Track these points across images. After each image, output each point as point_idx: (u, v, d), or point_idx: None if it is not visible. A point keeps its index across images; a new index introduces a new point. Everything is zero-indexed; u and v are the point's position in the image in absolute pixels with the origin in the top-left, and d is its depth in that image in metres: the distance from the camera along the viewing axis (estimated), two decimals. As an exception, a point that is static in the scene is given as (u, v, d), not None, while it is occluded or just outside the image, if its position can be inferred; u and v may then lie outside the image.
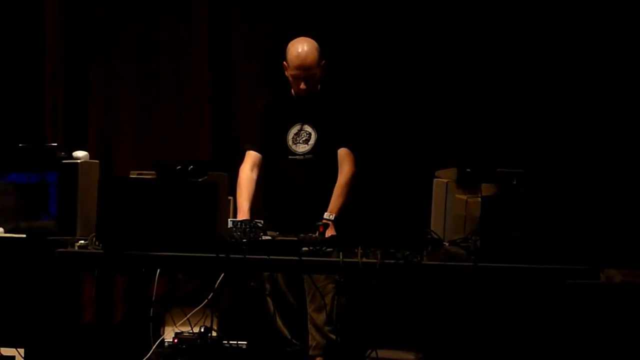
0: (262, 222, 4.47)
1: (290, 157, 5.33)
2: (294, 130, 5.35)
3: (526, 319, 5.14)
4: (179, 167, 4.35)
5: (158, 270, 5.07)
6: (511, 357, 4.95)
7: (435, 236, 4.33)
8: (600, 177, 5.72)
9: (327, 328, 5.23)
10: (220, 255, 4.22)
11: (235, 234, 4.36)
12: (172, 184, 4.32)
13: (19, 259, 4.60)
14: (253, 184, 5.30)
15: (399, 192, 4.63)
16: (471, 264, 4.18)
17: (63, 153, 4.81)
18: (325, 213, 5.11)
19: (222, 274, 4.99)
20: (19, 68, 6.73)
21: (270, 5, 6.52)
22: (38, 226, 4.72)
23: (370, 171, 5.95)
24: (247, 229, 4.38)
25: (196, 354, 5.49)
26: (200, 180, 4.34)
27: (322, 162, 5.29)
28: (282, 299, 5.34)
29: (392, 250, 4.20)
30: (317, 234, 4.53)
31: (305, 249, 4.30)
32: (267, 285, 5.29)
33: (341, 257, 4.22)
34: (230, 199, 5.10)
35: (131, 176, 4.70)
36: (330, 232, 4.76)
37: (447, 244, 4.33)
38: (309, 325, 5.29)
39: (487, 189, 4.41)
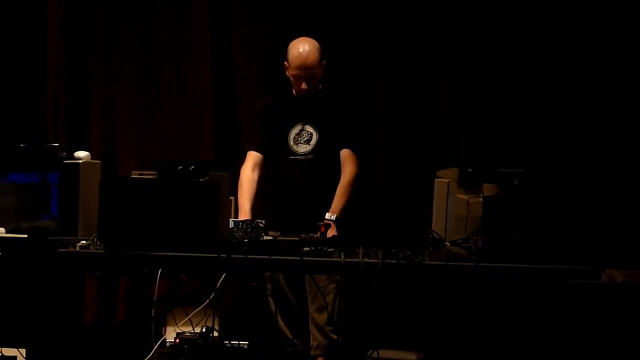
0: (263, 222, 4.47)
1: (291, 157, 5.33)
2: (295, 130, 5.35)
3: (527, 319, 5.15)
4: (181, 167, 4.35)
5: (159, 270, 5.07)
6: (512, 357, 4.96)
7: (437, 236, 4.32)
8: (602, 177, 5.72)
9: (328, 328, 5.24)
10: (221, 255, 4.21)
11: (236, 234, 4.36)
12: (173, 184, 4.32)
13: (21, 259, 4.59)
14: (254, 184, 5.30)
15: (399, 192, 4.63)
16: (473, 264, 4.17)
17: (64, 153, 4.81)
18: (327, 213, 5.11)
19: (224, 274, 5.00)
20: (20, 68, 6.74)
21: (270, 5, 6.53)
22: (39, 226, 4.72)
23: (370, 171, 5.95)
24: (249, 229, 4.38)
25: (198, 354, 5.49)
26: (201, 180, 4.34)
27: (323, 163, 5.30)
28: (283, 299, 5.34)
29: (393, 251, 4.19)
30: (318, 234, 4.53)
31: (306, 249, 4.29)
32: (269, 285, 5.30)
33: (342, 257, 4.22)
34: (231, 199, 5.10)
35: (132, 176, 4.69)
36: (331, 233, 4.75)
37: (448, 244, 4.32)
38: (311, 325, 5.29)
39: (488, 189, 4.41)
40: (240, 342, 5.70)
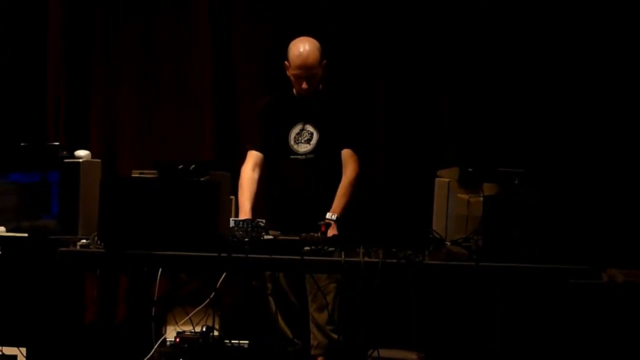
0: (264, 221, 4.47)
1: (292, 156, 5.33)
2: (296, 130, 5.35)
3: (528, 318, 5.15)
4: (181, 166, 4.35)
5: (160, 270, 5.07)
6: (513, 356, 4.96)
7: (437, 236, 4.32)
8: (602, 177, 5.72)
9: (328, 327, 5.24)
10: (222, 254, 4.21)
11: (237, 233, 4.35)
12: (174, 184, 4.32)
13: (21, 259, 4.59)
14: (255, 184, 5.31)
15: (399, 192, 4.63)
16: (473, 263, 4.17)
17: (65, 152, 4.81)
18: (328, 213, 5.12)
19: (224, 274, 5.00)
20: (20, 68, 6.74)
21: (270, 5, 6.53)
22: (40, 225, 4.72)
23: (371, 171, 5.95)
24: (249, 229, 4.37)
25: (198, 354, 5.49)
26: (202, 179, 4.34)
27: (324, 162, 5.30)
28: (283, 299, 5.34)
29: (394, 250, 4.19)
30: (319, 234, 4.53)
31: (307, 248, 4.29)
32: (269, 285, 5.30)
33: (343, 256, 4.22)
34: (232, 199, 5.10)
35: (133, 175, 4.69)
36: (332, 232, 4.77)
37: (449, 244, 4.32)
38: (311, 325, 5.30)
39: (489, 189, 4.41)
40: (241, 342, 5.70)
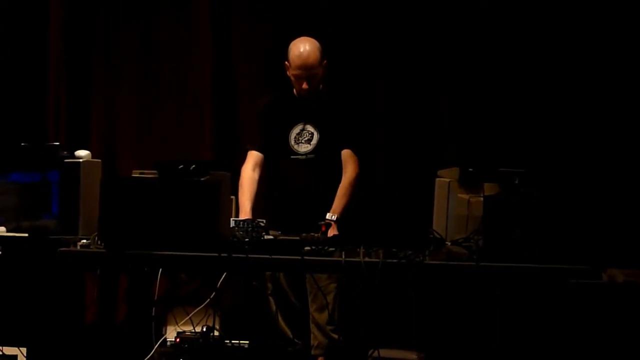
0: (264, 221, 4.46)
1: (292, 156, 5.33)
2: (296, 130, 5.35)
3: (528, 318, 5.14)
4: (181, 166, 4.35)
5: (160, 270, 5.08)
6: (513, 356, 4.95)
7: (438, 236, 4.31)
8: (603, 177, 5.72)
9: (329, 327, 5.24)
10: (222, 254, 4.21)
11: (237, 233, 4.35)
12: (174, 184, 4.32)
13: (21, 258, 4.59)
14: (255, 184, 5.31)
15: (399, 192, 4.63)
16: (473, 263, 4.16)
17: (65, 152, 4.81)
18: (328, 214, 5.12)
19: (224, 274, 4.99)
20: (21, 68, 6.75)
21: (270, 5, 6.53)
22: (40, 225, 4.71)
23: (371, 171, 5.94)
24: (250, 229, 4.37)
25: (198, 354, 5.49)
26: (202, 179, 4.34)
27: (324, 162, 5.30)
28: (284, 299, 5.34)
29: (394, 250, 4.19)
30: (319, 234, 4.53)
31: (307, 248, 4.29)
32: (269, 285, 5.30)
33: (343, 256, 4.22)
34: (232, 199, 5.10)
35: (133, 175, 4.69)
36: (332, 232, 4.77)
37: (449, 244, 4.32)
38: (311, 325, 5.30)
39: (489, 189, 4.41)
40: (241, 342, 5.70)
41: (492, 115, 6.12)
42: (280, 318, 5.32)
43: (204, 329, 5.51)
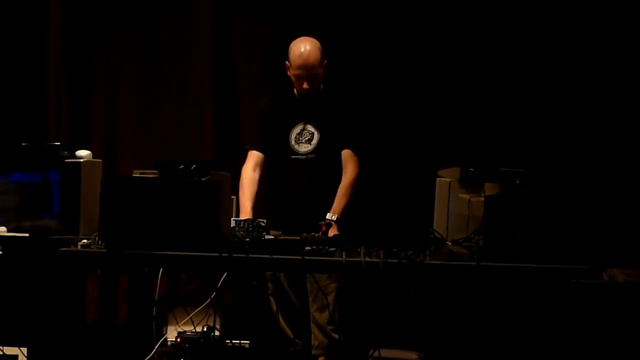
0: (264, 221, 4.46)
1: (292, 156, 5.33)
2: (297, 130, 5.35)
3: (529, 318, 5.14)
4: (182, 166, 4.35)
5: (161, 270, 5.07)
6: (514, 356, 4.95)
7: (438, 236, 4.32)
8: (604, 177, 5.72)
9: (329, 327, 5.24)
10: (223, 254, 4.21)
11: (238, 233, 4.35)
12: (175, 184, 4.32)
13: (22, 258, 4.58)
14: (255, 184, 5.31)
15: (399, 192, 4.63)
16: (474, 263, 4.17)
17: (66, 152, 4.81)
18: (328, 214, 5.12)
19: (225, 274, 4.99)
20: (21, 68, 6.75)
21: (270, 5, 6.53)
22: (41, 225, 4.70)
23: (371, 171, 5.95)
24: (250, 229, 4.37)
25: (199, 353, 5.50)
26: (203, 179, 4.34)
27: (324, 162, 5.30)
28: (284, 299, 5.34)
29: (395, 250, 4.19)
30: (319, 234, 4.53)
31: (308, 248, 4.29)
32: (270, 285, 5.30)
33: (344, 256, 4.21)
34: (233, 199, 5.11)
35: (134, 175, 4.69)
36: (333, 232, 4.77)
37: (449, 244, 4.32)
38: (312, 325, 5.30)
39: (490, 189, 4.41)
40: (242, 342, 5.69)
41: (493, 115, 6.11)
42: (280, 318, 5.32)
43: (205, 329, 5.51)
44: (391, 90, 6.38)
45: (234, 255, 4.22)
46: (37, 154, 4.85)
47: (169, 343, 5.67)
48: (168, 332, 5.80)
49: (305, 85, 5.27)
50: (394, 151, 6.32)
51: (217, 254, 4.21)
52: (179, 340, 5.63)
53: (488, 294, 4.68)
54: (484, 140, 6.09)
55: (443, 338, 5.79)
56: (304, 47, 5.27)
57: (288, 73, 5.34)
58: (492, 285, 4.58)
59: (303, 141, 5.34)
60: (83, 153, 4.79)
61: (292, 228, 4.65)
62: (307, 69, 5.25)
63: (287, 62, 5.33)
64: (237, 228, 4.39)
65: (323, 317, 5.24)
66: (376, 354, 4.68)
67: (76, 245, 4.46)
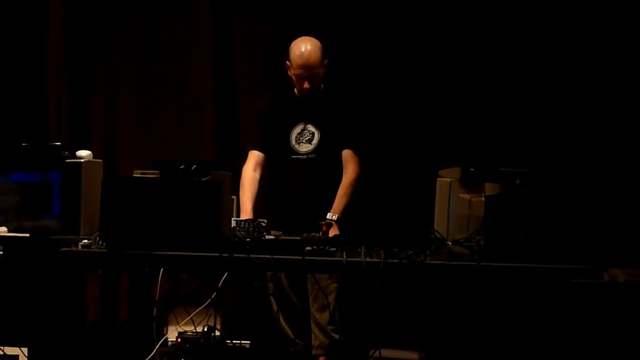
0: (265, 221, 4.46)
1: (293, 156, 5.33)
2: (297, 129, 5.35)
3: (529, 318, 5.15)
4: (182, 166, 4.35)
5: (161, 270, 5.07)
6: (514, 356, 4.95)
7: (439, 236, 4.32)
8: (604, 176, 5.72)
9: (330, 327, 5.24)
10: (223, 254, 4.21)
11: (238, 233, 4.35)
12: (175, 184, 4.32)
13: (23, 259, 4.58)
14: (256, 184, 5.31)
15: (399, 192, 4.64)
16: (474, 263, 4.17)
17: (66, 152, 4.81)
18: (329, 214, 5.12)
19: (226, 274, 4.99)
20: (22, 68, 6.75)
21: (271, 5, 6.53)
22: (41, 225, 4.71)
23: (372, 171, 5.94)
24: (251, 229, 4.37)
25: (199, 354, 5.50)
26: (203, 179, 4.35)
27: (325, 162, 5.30)
28: (285, 299, 5.34)
29: (395, 250, 4.19)
30: (320, 234, 4.53)
31: (308, 248, 4.29)
32: (270, 285, 5.30)
33: (345, 256, 4.22)
34: (233, 199, 5.11)
35: (134, 175, 4.69)
36: (333, 232, 4.77)
37: (450, 244, 4.32)
38: (312, 325, 5.30)
39: (490, 189, 4.41)
40: (242, 342, 5.69)
41: (493, 115, 6.11)
42: (281, 318, 5.32)
43: (205, 329, 5.51)
44: (391, 90, 6.38)
45: (235, 255, 4.22)
46: (38, 154, 4.85)
47: (169, 343, 5.67)
48: (169, 332, 5.81)
49: (305, 85, 5.27)
50: (394, 151, 6.32)
51: (218, 254, 4.22)
52: (179, 340, 5.63)
53: (488, 294, 4.68)
54: (484, 140, 6.09)
55: (443, 338, 5.79)
56: (304, 47, 5.27)
57: (288, 73, 5.34)
58: (493, 285, 4.58)
59: (303, 141, 5.34)
60: (83, 153, 4.79)
61: (293, 228, 4.65)
62: (307, 69, 5.25)
63: (287, 62, 5.33)
64: (237, 228, 4.39)
65: (323, 317, 5.24)
66: (377, 354, 4.69)
67: (77, 245, 4.46)
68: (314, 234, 4.47)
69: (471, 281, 4.62)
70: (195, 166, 4.35)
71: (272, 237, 4.45)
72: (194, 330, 5.50)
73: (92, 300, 6.23)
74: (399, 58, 6.34)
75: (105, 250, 4.31)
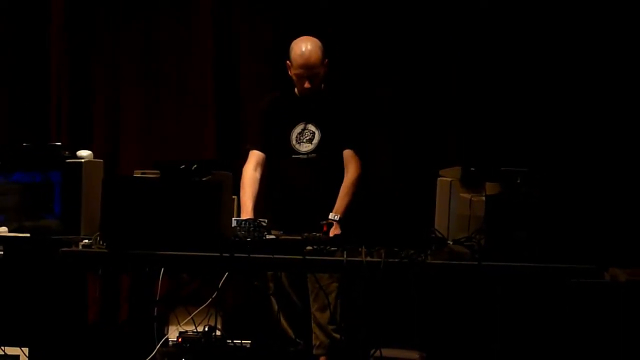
0: (266, 221, 4.46)
1: (293, 156, 5.33)
2: (298, 129, 5.35)
3: (530, 318, 5.15)
4: (183, 166, 4.35)
5: (162, 270, 5.06)
6: (514, 356, 4.96)
7: (440, 235, 4.32)
8: (605, 176, 5.72)
9: (330, 327, 5.25)
10: (224, 254, 4.21)
11: (239, 233, 4.35)
12: (176, 183, 4.32)
13: (23, 259, 4.58)
14: (257, 183, 5.31)
15: (400, 192, 4.64)
16: (475, 263, 4.17)
17: (67, 152, 4.80)
18: (330, 214, 5.13)
19: (226, 273, 4.99)
20: (22, 68, 6.75)
21: (271, 5, 6.53)
22: (42, 225, 4.70)
23: (373, 171, 5.93)
24: (251, 228, 4.37)
25: (200, 353, 5.49)
26: (204, 179, 4.34)
27: (325, 162, 5.30)
28: (285, 298, 5.34)
29: (396, 250, 4.19)
30: (321, 233, 4.53)
31: (309, 248, 4.29)
32: (271, 285, 5.30)
33: (345, 256, 4.21)
34: (234, 198, 5.10)
35: (135, 175, 4.69)
36: (335, 232, 4.77)
37: (451, 243, 4.32)
38: (313, 325, 5.30)
39: (491, 188, 4.40)
40: (243, 342, 5.68)
41: (494, 115, 6.12)
42: (282, 318, 5.33)
43: (206, 329, 5.51)
44: (392, 90, 6.37)
45: (235, 255, 4.21)
46: (38, 154, 4.84)
47: (170, 343, 5.67)
48: (169, 332, 5.81)
49: (306, 85, 5.27)
50: (395, 151, 6.32)
51: (219, 254, 4.21)
52: (180, 340, 5.62)
53: (489, 294, 4.68)
54: (485, 139, 6.09)
55: (444, 337, 5.79)
56: (305, 47, 5.27)
57: (289, 73, 5.34)
58: (493, 285, 4.58)
59: (304, 141, 5.34)
60: (84, 153, 4.78)
61: (293, 228, 4.64)
62: (308, 68, 5.25)
63: (288, 62, 5.33)
64: (238, 228, 4.38)
65: (324, 317, 5.24)
66: (377, 353, 4.68)
67: (77, 246, 4.46)
68: (314, 233, 4.46)
69: (472, 281, 4.62)
70: (195, 166, 4.34)
71: (272, 236, 4.45)
72: (195, 330, 5.49)
73: (93, 300, 6.23)
74: (399, 58, 6.34)
75: (105, 250, 4.30)
